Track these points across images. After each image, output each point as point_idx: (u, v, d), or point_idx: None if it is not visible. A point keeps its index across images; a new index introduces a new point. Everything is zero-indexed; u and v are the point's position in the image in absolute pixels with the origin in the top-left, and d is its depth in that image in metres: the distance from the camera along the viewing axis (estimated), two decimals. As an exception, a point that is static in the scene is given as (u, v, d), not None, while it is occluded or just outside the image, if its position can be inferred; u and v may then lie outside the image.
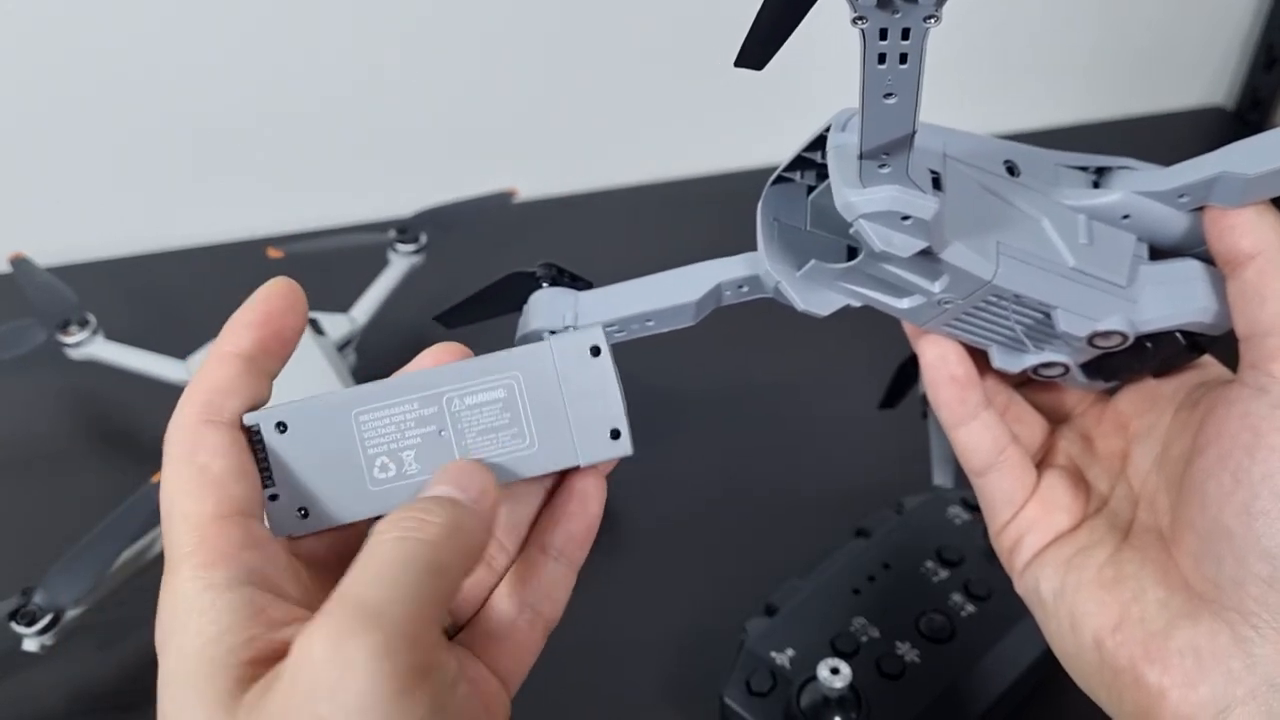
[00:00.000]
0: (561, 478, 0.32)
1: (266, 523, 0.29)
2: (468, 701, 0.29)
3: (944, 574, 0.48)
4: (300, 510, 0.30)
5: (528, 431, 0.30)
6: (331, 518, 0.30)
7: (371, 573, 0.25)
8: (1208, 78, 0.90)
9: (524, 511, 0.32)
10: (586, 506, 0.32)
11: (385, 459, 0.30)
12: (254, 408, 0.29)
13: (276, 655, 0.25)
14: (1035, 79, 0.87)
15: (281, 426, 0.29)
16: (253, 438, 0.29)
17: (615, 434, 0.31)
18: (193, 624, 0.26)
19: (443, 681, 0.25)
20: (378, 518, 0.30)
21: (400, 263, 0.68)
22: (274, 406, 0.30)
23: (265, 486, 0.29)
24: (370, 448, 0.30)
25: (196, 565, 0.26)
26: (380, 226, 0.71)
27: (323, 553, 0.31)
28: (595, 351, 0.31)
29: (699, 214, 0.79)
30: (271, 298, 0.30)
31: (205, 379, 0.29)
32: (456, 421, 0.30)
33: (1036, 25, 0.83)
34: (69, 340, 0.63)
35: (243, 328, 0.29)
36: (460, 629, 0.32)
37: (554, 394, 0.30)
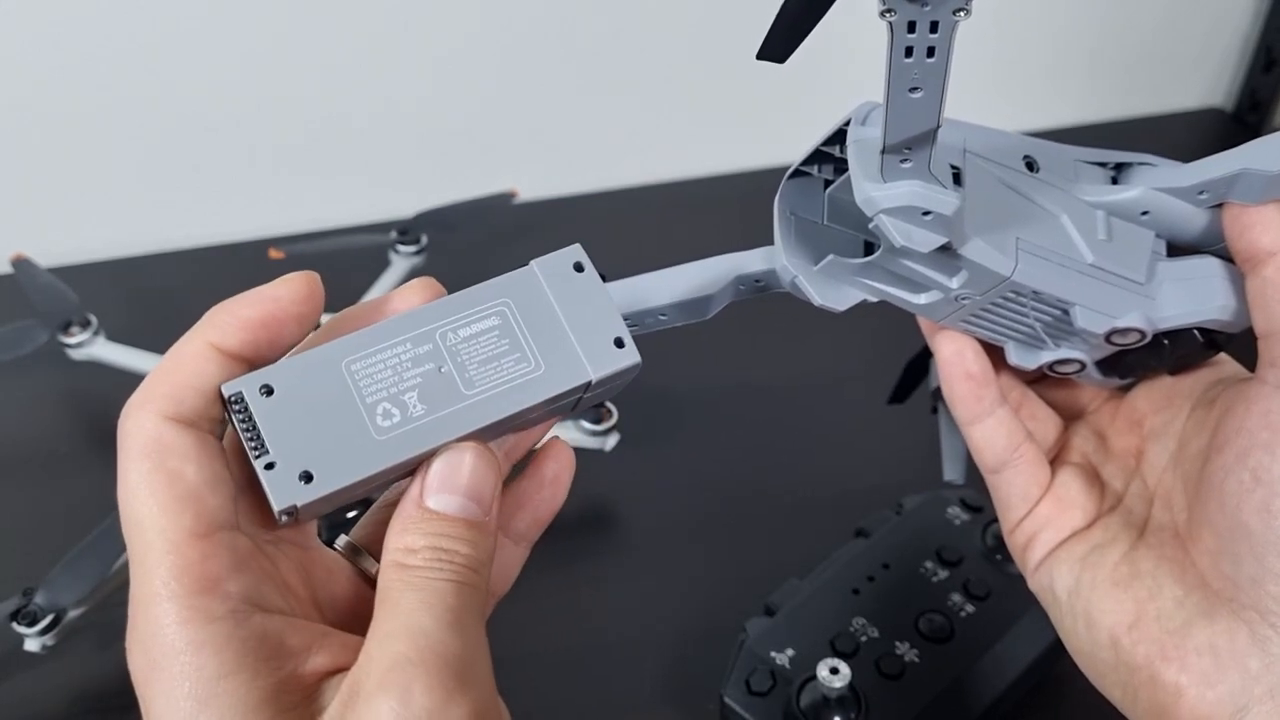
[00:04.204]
0: (529, 460, 0.31)
1: (269, 495, 0.26)
2: None
3: (943, 574, 0.48)
4: (303, 475, 0.27)
5: (531, 355, 0.29)
6: (340, 476, 0.27)
7: (448, 619, 0.24)
8: (1207, 79, 0.90)
9: None
10: (555, 493, 0.31)
11: (387, 405, 0.28)
12: None
13: (315, 682, 0.24)
14: (1034, 80, 0.87)
15: (266, 390, 0.27)
16: (234, 407, 0.27)
17: (619, 343, 0.29)
18: (208, 664, 0.23)
19: None
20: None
21: (401, 264, 0.68)
22: (253, 372, 0.27)
23: (259, 456, 0.27)
24: (369, 396, 0.28)
25: (186, 594, 0.24)
26: (381, 227, 0.71)
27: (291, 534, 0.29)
28: (579, 268, 0.30)
29: (699, 216, 0.79)
30: (283, 299, 0.27)
31: (177, 370, 0.26)
32: (455, 355, 0.28)
33: (1035, 26, 0.83)
34: (70, 341, 0.63)
35: (235, 324, 0.26)
36: None
37: (549, 313, 0.29)
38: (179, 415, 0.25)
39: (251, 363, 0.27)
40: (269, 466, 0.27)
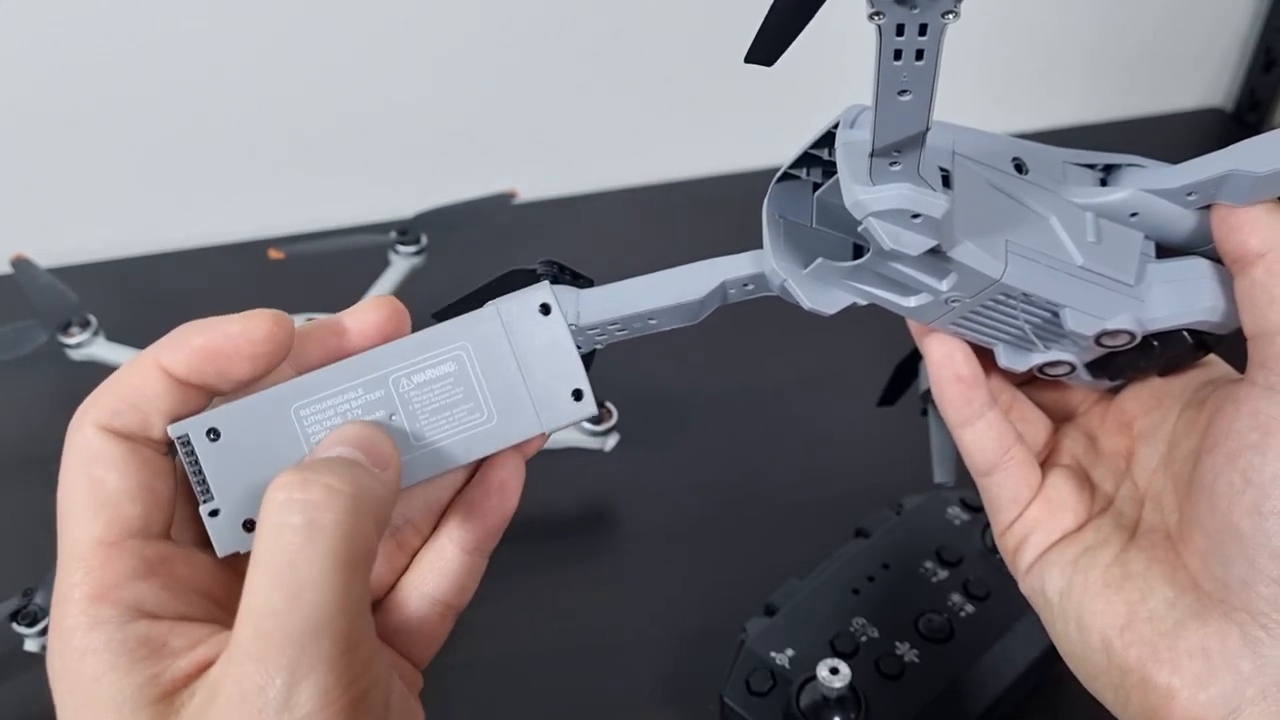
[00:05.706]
0: (478, 466, 0.31)
1: (213, 542, 0.27)
2: (401, 705, 0.27)
3: (943, 574, 0.48)
4: (247, 524, 0.27)
5: (485, 405, 0.28)
6: None
7: (288, 580, 0.23)
8: (1206, 79, 0.90)
9: (442, 494, 0.31)
10: (505, 500, 0.30)
11: None
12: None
13: (188, 678, 0.25)
14: (1034, 80, 0.87)
15: (213, 434, 0.27)
16: (182, 449, 0.27)
17: (577, 395, 0.29)
18: (89, 666, 0.24)
19: (381, 700, 0.24)
20: None
21: (401, 264, 0.68)
22: (202, 413, 0.27)
23: (204, 501, 0.27)
24: (317, 443, 0.27)
25: (84, 600, 0.25)
26: (381, 228, 0.71)
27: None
28: (545, 310, 0.29)
29: (699, 216, 0.79)
30: (235, 336, 0.26)
31: (120, 385, 0.26)
32: (407, 403, 0.28)
33: (1035, 26, 0.83)
34: (70, 341, 0.63)
35: (185, 348, 0.26)
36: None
37: (507, 361, 0.28)
38: (112, 427, 0.26)
39: (199, 389, 0.27)
40: (213, 514, 0.27)
